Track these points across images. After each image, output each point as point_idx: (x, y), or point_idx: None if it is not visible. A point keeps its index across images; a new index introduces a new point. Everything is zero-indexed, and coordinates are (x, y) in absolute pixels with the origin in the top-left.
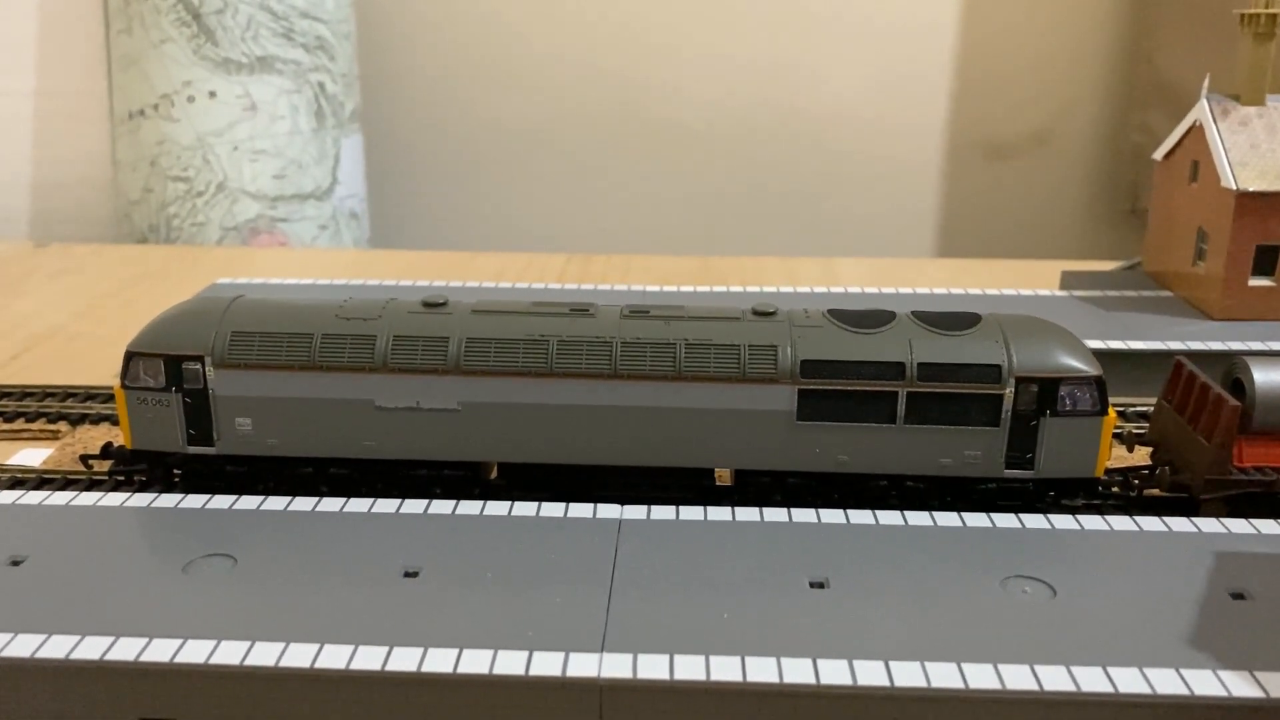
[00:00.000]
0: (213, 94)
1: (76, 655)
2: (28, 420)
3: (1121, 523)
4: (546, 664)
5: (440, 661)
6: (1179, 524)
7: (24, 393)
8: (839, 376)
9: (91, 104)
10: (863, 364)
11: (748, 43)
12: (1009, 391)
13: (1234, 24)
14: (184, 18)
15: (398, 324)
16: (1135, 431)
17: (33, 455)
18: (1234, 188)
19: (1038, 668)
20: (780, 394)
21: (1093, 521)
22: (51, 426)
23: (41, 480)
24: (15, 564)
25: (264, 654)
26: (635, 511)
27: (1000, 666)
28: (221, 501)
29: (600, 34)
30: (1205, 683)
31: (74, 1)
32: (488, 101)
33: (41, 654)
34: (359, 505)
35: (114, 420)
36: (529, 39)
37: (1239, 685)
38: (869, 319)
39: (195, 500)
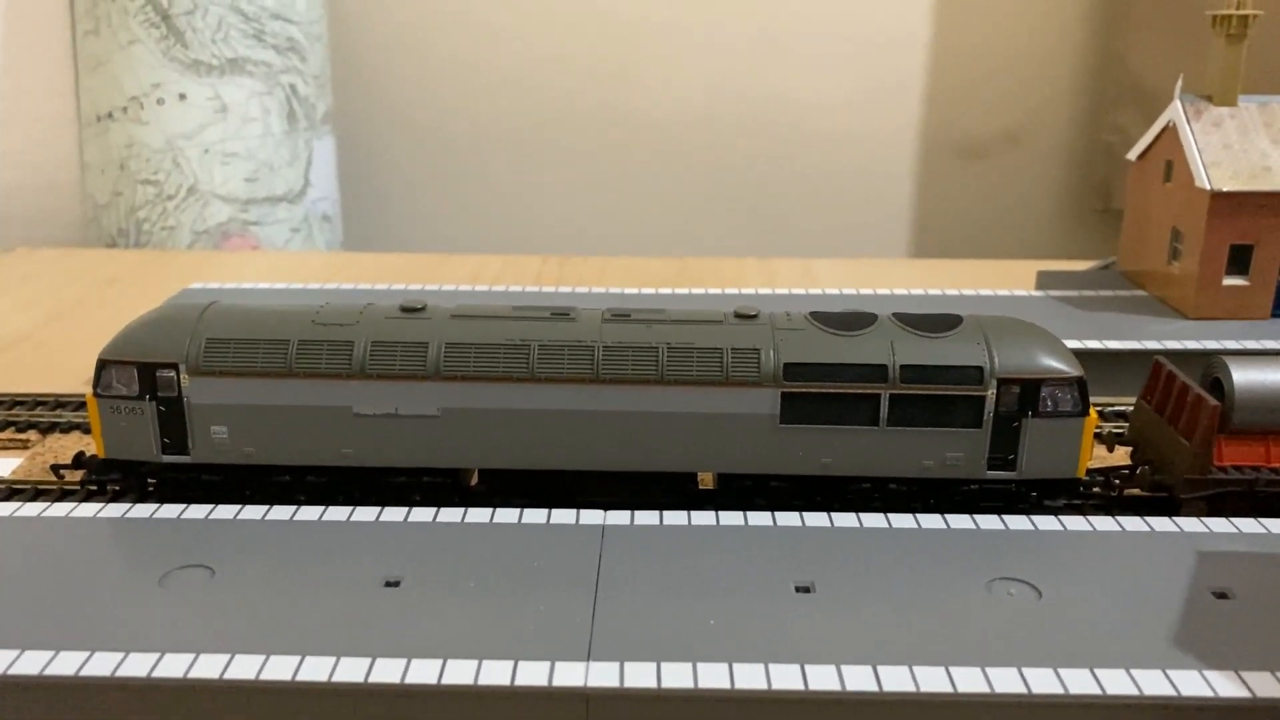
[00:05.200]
0: (183, 96)
1: (51, 671)
2: None
3: (1104, 523)
4: (532, 674)
5: (424, 672)
6: (1161, 524)
7: None
8: (822, 379)
9: (58, 106)
10: (845, 366)
11: (723, 44)
12: (991, 393)
13: (1204, 25)
14: (153, 19)
15: (376, 329)
16: (1114, 431)
17: (1, 465)
18: (1208, 188)
19: (1025, 670)
20: (763, 397)
21: (1075, 522)
22: (20, 435)
23: (11, 491)
24: None
25: (244, 667)
26: (619, 517)
27: (988, 670)
28: (197, 511)
29: (575, 36)
30: (1192, 683)
31: (40, 2)
32: (461, 102)
33: (14, 670)
34: (338, 514)
35: (85, 429)
36: (502, 40)
37: (1225, 685)
38: (851, 321)
39: (170, 510)
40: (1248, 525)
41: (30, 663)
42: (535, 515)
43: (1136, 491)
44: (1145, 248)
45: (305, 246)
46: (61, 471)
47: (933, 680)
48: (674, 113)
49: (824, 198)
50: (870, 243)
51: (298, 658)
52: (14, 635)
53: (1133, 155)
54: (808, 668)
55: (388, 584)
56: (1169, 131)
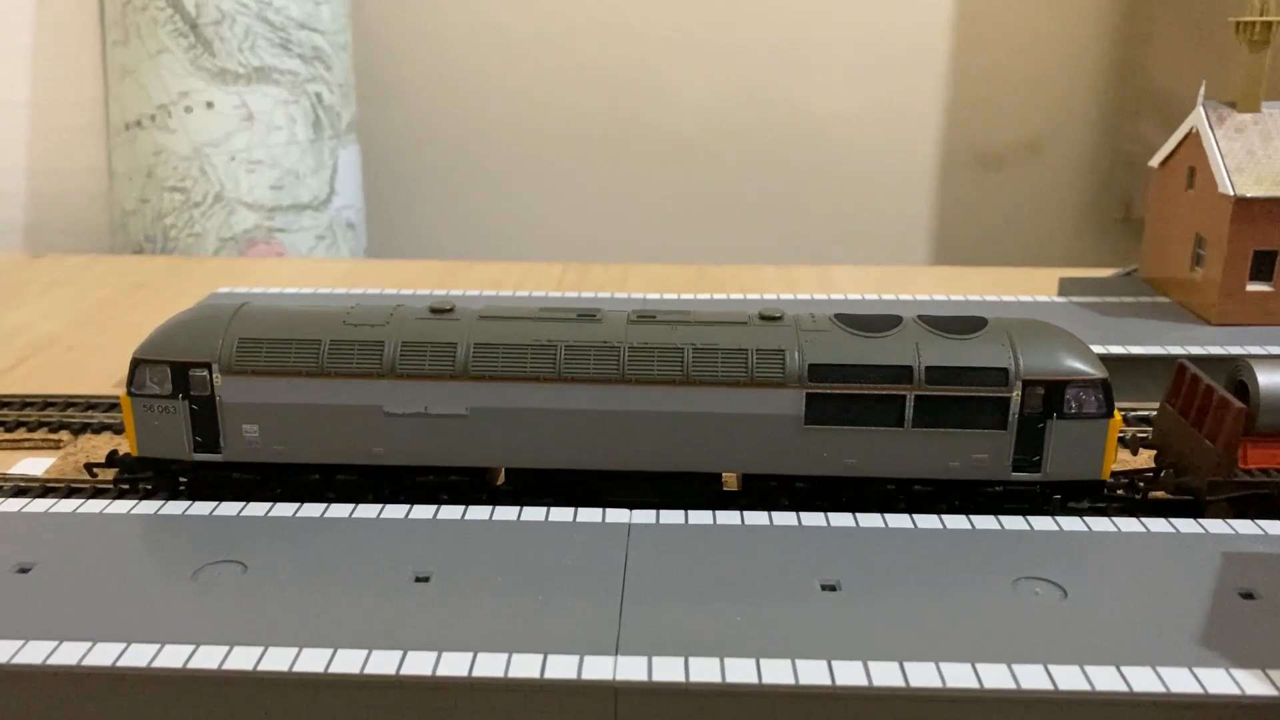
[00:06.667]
0: (210, 104)
1: (88, 662)
2: (29, 430)
3: (1129, 524)
4: (561, 667)
5: (455, 665)
6: (1186, 525)
7: (24, 402)
8: (847, 380)
9: (87, 115)
10: (870, 368)
11: (743, 53)
12: (1016, 394)
13: (1224, 33)
14: (181, 28)
15: (406, 330)
16: (1139, 435)
17: (35, 465)
18: (1231, 194)
19: (1052, 667)
20: (788, 398)
21: (1100, 523)
22: (53, 436)
23: (46, 489)
24: (23, 571)
25: (277, 659)
26: (644, 516)
27: (1014, 666)
28: (229, 508)
29: (596, 45)
30: (1218, 681)
31: (70, 12)
32: (483, 111)
33: (53, 661)
34: (368, 511)
35: (116, 429)
36: (524, 49)
37: (1252, 683)
38: (876, 323)
39: (202, 507)
40: (1273, 527)
41: (68, 653)
42: (562, 514)
43: (1161, 494)
44: (1168, 254)
45: (330, 254)
46: (95, 470)
47: (960, 676)
48: (694, 123)
49: (843, 207)
50: (889, 252)
51: (330, 650)
52: (52, 627)
53: (1155, 162)
54: (835, 664)
55: (418, 579)
56: (1191, 138)
